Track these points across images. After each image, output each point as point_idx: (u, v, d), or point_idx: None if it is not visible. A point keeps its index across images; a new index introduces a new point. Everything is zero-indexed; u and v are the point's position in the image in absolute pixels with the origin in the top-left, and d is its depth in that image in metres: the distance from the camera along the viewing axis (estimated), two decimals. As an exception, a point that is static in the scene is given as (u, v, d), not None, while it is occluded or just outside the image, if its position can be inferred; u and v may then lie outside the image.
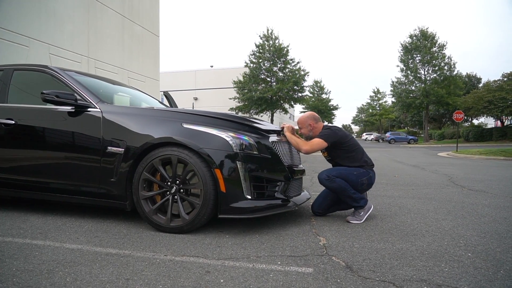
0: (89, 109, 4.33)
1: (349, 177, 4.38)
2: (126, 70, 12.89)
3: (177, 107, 6.01)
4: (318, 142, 4.43)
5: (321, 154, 4.73)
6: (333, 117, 61.17)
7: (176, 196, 4.05)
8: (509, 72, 41.73)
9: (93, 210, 4.98)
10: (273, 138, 4.41)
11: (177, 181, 4.04)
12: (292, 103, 39.84)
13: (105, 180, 4.15)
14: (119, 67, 12.44)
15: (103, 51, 11.62)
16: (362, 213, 4.44)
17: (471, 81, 57.22)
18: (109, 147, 4.16)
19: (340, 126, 4.84)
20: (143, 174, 4.06)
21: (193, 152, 3.99)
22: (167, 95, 6.50)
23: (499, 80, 42.24)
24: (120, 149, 4.13)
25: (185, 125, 4.11)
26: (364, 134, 70.09)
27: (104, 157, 4.16)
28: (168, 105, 6.28)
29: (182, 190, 4.05)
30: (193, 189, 4.03)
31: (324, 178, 4.36)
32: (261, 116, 39.51)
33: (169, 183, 4.06)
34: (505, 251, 3.57)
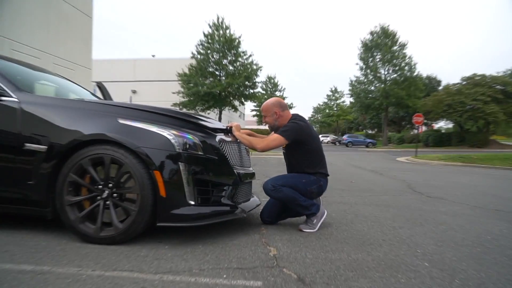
0: (2, 98, 4.05)
1: (297, 185, 4.36)
2: (51, 55, 12.29)
3: (112, 100, 5.84)
4: (276, 139, 4.33)
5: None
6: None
7: (108, 202, 3.90)
8: (468, 75, 43.67)
9: (4, 219, 4.62)
10: (220, 137, 4.35)
11: (110, 185, 3.91)
12: (243, 100, 39.19)
13: (21, 183, 3.89)
14: (41, 51, 11.82)
15: (21, 31, 10.99)
16: (315, 220, 4.46)
17: (431, 83, 59.46)
18: (27, 144, 3.91)
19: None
20: (69, 176, 3.88)
21: (130, 152, 3.86)
22: (100, 86, 6.30)
23: (458, 83, 44.11)
24: (41, 147, 3.91)
25: (121, 121, 3.97)
26: (320, 136, 71.71)
27: (21, 156, 3.91)
28: (101, 97, 6.08)
29: (115, 194, 3.90)
30: (128, 194, 3.91)
31: (270, 189, 4.32)
32: (208, 114, 39.03)
33: (100, 186, 3.91)
34: (460, 260, 3.74)
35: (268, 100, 4.66)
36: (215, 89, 36.38)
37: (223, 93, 37.71)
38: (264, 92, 62.51)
